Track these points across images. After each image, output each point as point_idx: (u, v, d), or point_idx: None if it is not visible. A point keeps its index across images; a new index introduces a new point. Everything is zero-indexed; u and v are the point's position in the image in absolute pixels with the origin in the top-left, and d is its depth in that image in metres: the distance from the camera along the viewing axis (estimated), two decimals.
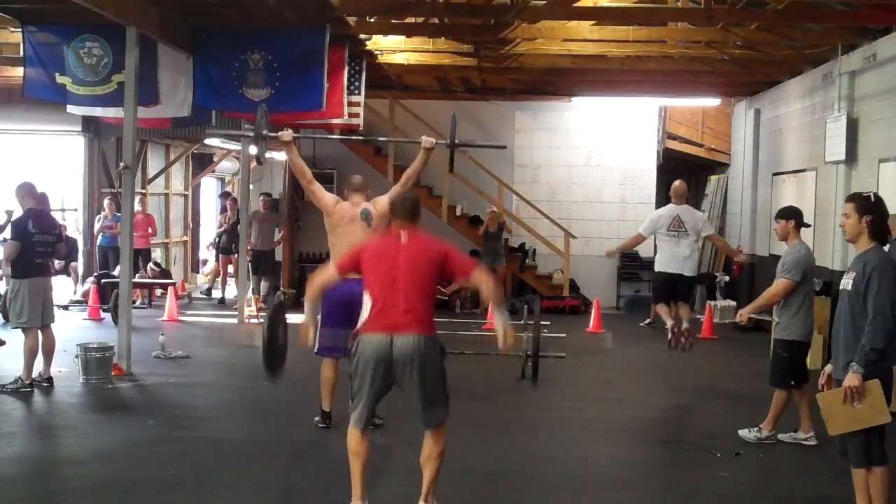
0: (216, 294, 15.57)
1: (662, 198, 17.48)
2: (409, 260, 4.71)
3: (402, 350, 4.59)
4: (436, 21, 10.91)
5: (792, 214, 6.71)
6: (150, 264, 14.24)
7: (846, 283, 4.65)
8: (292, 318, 5.82)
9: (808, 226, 6.90)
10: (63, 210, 14.26)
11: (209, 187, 21.55)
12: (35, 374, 7.93)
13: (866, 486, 4.59)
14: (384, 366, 4.62)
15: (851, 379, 4.46)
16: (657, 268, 9.19)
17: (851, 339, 4.56)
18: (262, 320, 12.43)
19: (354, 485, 4.72)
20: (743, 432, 6.75)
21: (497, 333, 4.78)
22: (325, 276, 4.97)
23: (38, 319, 7.89)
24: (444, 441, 4.77)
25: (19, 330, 7.96)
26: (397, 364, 4.61)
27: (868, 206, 4.65)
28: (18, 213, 8.22)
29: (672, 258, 8.99)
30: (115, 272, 12.07)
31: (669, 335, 8.94)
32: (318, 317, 6.13)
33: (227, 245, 15.39)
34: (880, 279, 4.46)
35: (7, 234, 8.44)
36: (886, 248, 4.77)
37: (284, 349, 5.64)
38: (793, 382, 6.56)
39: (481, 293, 4.89)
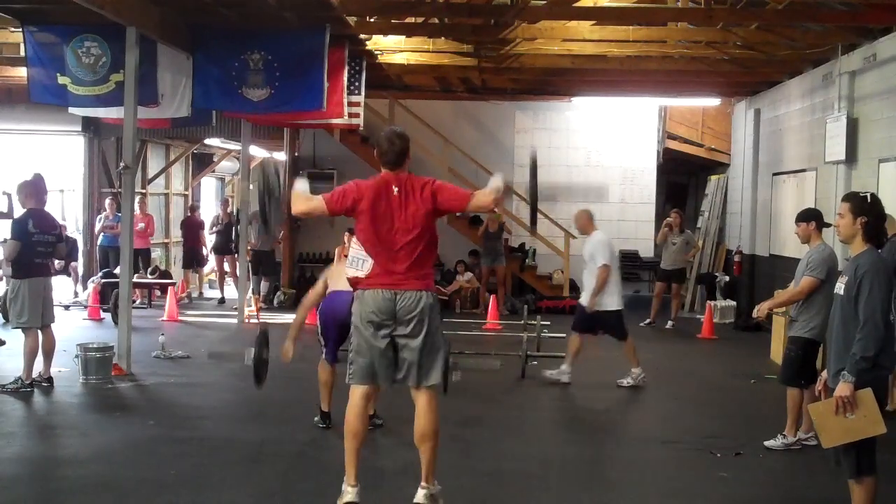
0: (212, 294, 15.58)
1: (662, 198, 17.53)
2: (404, 219, 4.70)
3: (406, 304, 4.68)
4: (436, 21, 10.90)
5: (813, 216, 6.70)
6: (150, 270, 14.24)
7: (839, 287, 4.50)
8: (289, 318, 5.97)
9: (829, 225, 6.89)
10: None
11: (209, 187, 21.55)
12: (35, 374, 7.93)
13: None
14: (387, 319, 4.68)
15: (842, 388, 4.26)
16: (613, 307, 8.80)
17: (843, 346, 4.38)
18: (260, 321, 12.53)
19: (348, 467, 4.78)
20: (769, 442, 6.63)
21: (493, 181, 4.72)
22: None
23: (38, 319, 7.89)
24: (436, 415, 4.78)
25: (19, 330, 7.96)
26: (400, 318, 4.69)
27: (864, 206, 4.47)
28: (18, 210, 8.22)
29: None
30: (116, 271, 12.07)
31: (560, 378, 8.78)
32: (318, 334, 6.54)
33: (220, 245, 15.41)
34: (871, 283, 4.28)
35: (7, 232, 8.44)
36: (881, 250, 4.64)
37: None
38: (803, 381, 6.54)
39: (481, 200, 4.73)
